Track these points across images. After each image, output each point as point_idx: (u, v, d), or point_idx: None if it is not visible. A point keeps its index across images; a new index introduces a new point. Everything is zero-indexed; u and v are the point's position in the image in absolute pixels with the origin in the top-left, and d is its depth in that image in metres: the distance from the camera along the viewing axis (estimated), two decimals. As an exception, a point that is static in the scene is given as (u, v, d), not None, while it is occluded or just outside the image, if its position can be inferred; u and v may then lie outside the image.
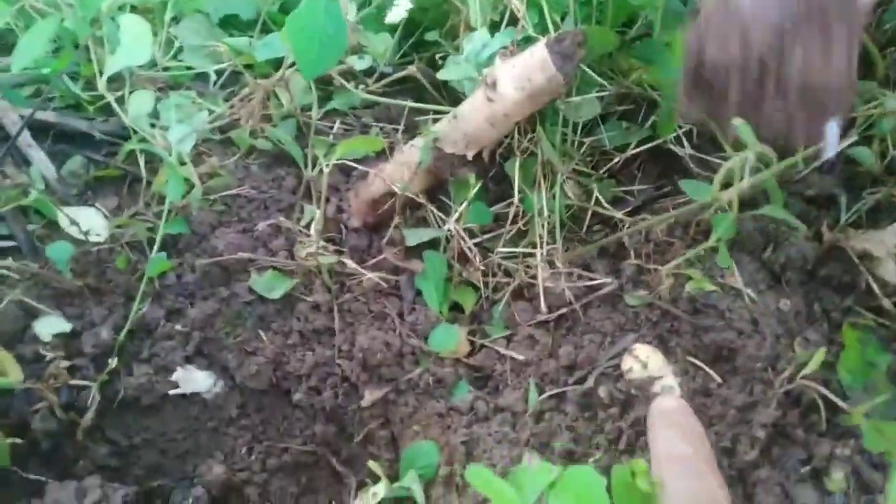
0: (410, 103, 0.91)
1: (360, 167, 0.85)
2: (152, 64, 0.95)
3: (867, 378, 0.63)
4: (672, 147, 0.78)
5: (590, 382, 0.64)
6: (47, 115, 0.96)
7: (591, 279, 0.73)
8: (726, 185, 0.58)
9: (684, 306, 0.67)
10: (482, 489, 0.50)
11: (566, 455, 0.61)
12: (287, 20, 0.68)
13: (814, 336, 0.64)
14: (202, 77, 0.99)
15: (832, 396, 0.60)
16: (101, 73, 0.84)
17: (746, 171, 0.53)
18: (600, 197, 0.79)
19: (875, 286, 0.67)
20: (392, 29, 0.95)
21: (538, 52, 0.69)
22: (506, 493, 0.49)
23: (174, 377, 0.77)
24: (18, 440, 0.73)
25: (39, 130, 0.96)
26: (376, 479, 0.70)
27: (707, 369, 0.64)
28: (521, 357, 0.70)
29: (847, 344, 0.63)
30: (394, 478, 0.69)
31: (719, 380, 0.63)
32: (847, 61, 0.50)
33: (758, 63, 0.51)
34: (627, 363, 0.63)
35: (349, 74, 0.93)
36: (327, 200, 0.85)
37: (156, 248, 0.78)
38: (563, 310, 0.72)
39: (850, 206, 0.72)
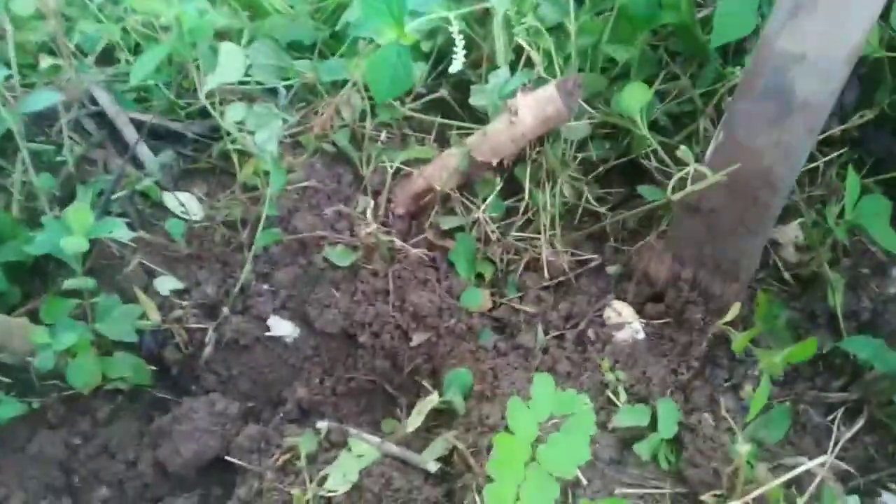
0: (440, 119, 1.17)
1: (406, 168, 1.10)
2: (229, 78, 1.18)
3: (772, 325, 0.91)
4: (642, 161, 1.05)
5: (581, 326, 0.91)
6: (145, 116, 1.19)
7: (582, 256, 1.00)
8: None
9: (665, 266, 0.94)
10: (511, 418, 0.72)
11: (565, 375, 0.88)
12: (370, 61, 0.93)
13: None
14: (270, 91, 1.22)
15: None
16: (200, 87, 1.06)
17: (689, 180, 0.81)
18: (589, 196, 1.05)
19: (780, 264, 0.96)
20: (426, 58, 1.20)
21: (550, 90, 0.95)
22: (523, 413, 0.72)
23: (268, 323, 1.01)
24: (152, 367, 0.98)
25: (138, 128, 1.18)
26: (423, 399, 0.95)
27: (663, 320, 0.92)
28: (531, 310, 0.97)
29: (760, 303, 0.91)
30: (439, 395, 0.94)
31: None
32: None
33: None
34: (608, 313, 0.90)
35: (393, 94, 1.18)
36: (379, 193, 1.10)
37: (261, 225, 1.01)
38: (561, 278, 0.99)
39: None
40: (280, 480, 0.81)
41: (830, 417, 0.85)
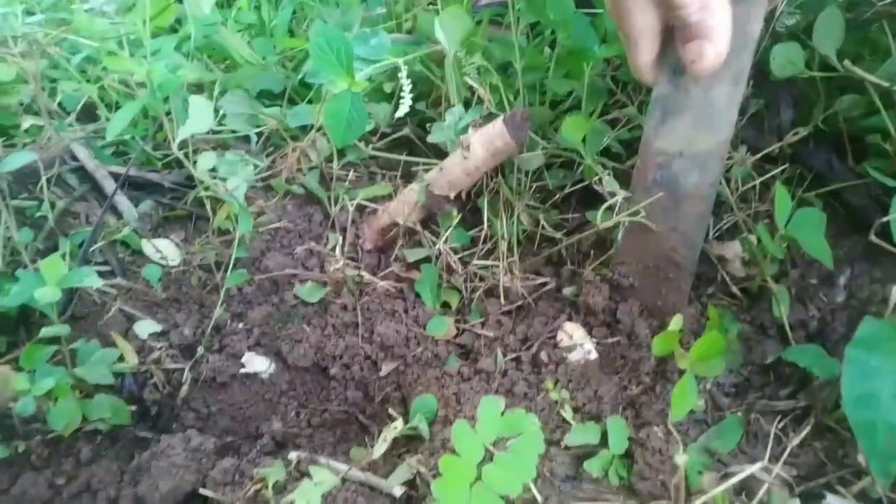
0: (405, 157, 1.22)
1: (371, 205, 1.15)
2: (204, 128, 1.24)
3: (725, 338, 0.94)
4: (595, 186, 1.09)
5: (535, 349, 0.95)
6: (122, 169, 1.24)
7: (540, 280, 1.04)
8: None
9: (603, 296, 0.98)
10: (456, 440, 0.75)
11: (522, 396, 0.91)
12: (326, 109, 0.98)
13: (689, 311, 0.96)
14: (243, 138, 1.29)
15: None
16: (174, 138, 1.12)
17: (616, 209, 0.86)
18: (545, 223, 1.10)
19: (728, 279, 0.99)
20: (389, 99, 1.26)
21: (498, 125, 1.00)
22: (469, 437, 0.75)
23: (242, 360, 1.06)
24: (133, 407, 1.02)
25: (116, 181, 1.24)
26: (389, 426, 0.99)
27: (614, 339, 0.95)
28: (490, 335, 1.00)
29: (711, 317, 0.94)
30: (406, 422, 0.98)
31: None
32: None
33: None
34: (560, 335, 0.93)
35: (359, 135, 1.23)
36: (347, 230, 1.15)
37: (230, 266, 1.06)
38: (520, 302, 1.03)
39: (715, 224, 1.05)
40: (248, 510, 0.84)
41: (781, 425, 0.88)
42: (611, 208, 0.89)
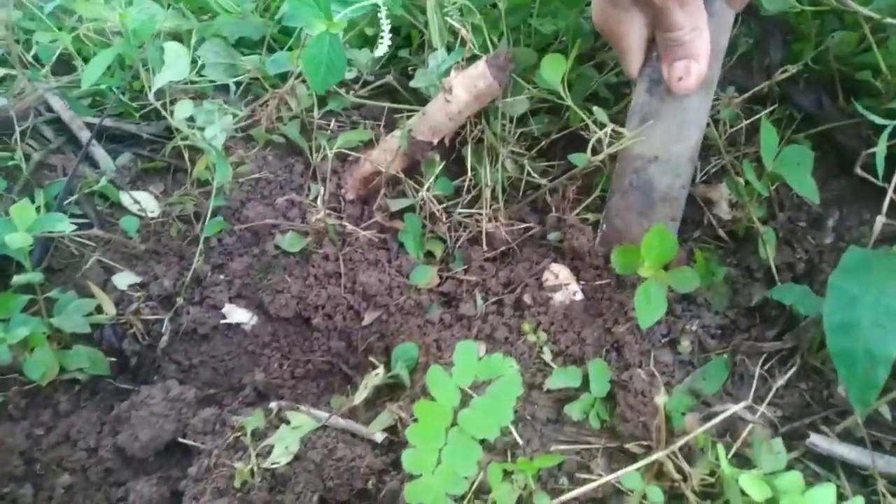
0: (388, 104, 1.19)
1: (353, 154, 1.13)
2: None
3: (710, 282, 0.93)
4: (582, 132, 1.07)
5: (518, 292, 0.93)
6: (104, 121, 1.22)
7: (524, 226, 1.02)
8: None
9: (587, 237, 0.96)
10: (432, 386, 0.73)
11: (504, 341, 0.90)
12: (304, 52, 0.95)
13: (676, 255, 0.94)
14: (222, 88, 1.25)
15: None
16: (150, 88, 1.09)
17: (605, 142, 0.84)
18: (531, 170, 1.07)
19: (714, 222, 0.97)
20: (371, 45, 1.22)
21: (480, 66, 0.97)
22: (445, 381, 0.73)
23: (223, 312, 1.04)
24: (112, 358, 1.01)
25: (95, 133, 1.22)
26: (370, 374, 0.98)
27: (602, 282, 0.93)
28: (473, 279, 0.99)
29: (697, 261, 0.93)
30: (388, 370, 0.97)
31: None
32: None
33: None
34: (546, 276, 0.92)
35: (340, 83, 1.20)
36: (329, 180, 1.13)
37: (208, 215, 1.04)
38: (503, 247, 1.02)
39: (702, 168, 1.02)
40: (228, 457, 0.84)
41: (766, 367, 0.87)
42: (598, 144, 0.87)
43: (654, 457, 0.71)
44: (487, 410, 0.72)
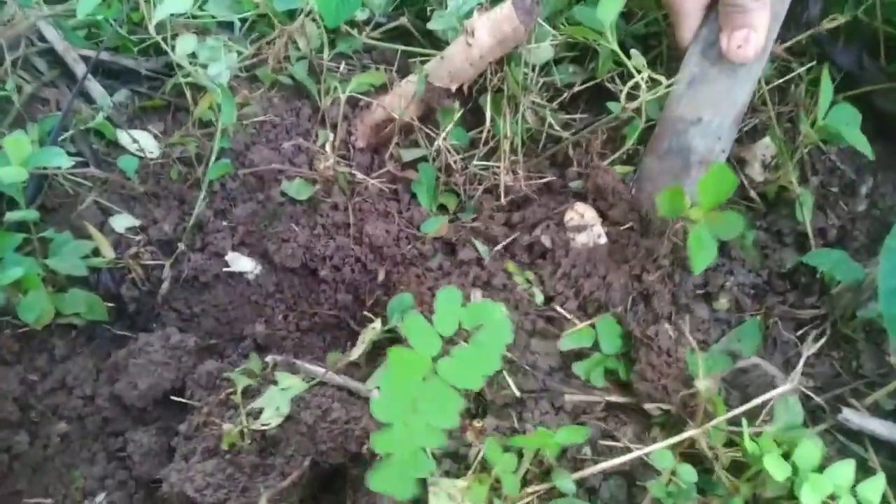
0: (402, 47, 1.13)
1: (364, 98, 1.07)
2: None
3: (741, 244, 0.89)
4: (608, 84, 1.01)
5: (537, 233, 0.88)
6: (100, 55, 1.15)
7: (544, 180, 0.98)
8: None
9: (612, 177, 0.91)
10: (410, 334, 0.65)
11: (502, 288, 0.86)
12: (317, -19, 0.89)
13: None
14: (226, 25, 1.19)
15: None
16: (150, 20, 1.02)
17: (644, 89, 0.79)
18: (553, 122, 1.02)
19: (745, 182, 0.93)
20: (385, -16, 1.16)
21: (506, 9, 0.91)
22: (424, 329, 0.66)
23: (226, 258, 1.00)
24: (110, 304, 0.96)
25: (91, 67, 1.15)
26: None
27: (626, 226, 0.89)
28: (478, 225, 0.94)
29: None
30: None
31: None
32: None
33: None
34: (569, 215, 0.87)
35: (352, 23, 1.13)
36: (339, 125, 1.07)
37: (213, 157, 0.99)
38: (515, 196, 0.97)
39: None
40: (220, 415, 0.80)
41: (800, 333, 0.84)
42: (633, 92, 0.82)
43: (687, 434, 0.68)
44: (470, 359, 0.65)
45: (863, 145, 0.84)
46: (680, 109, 0.88)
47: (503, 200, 0.97)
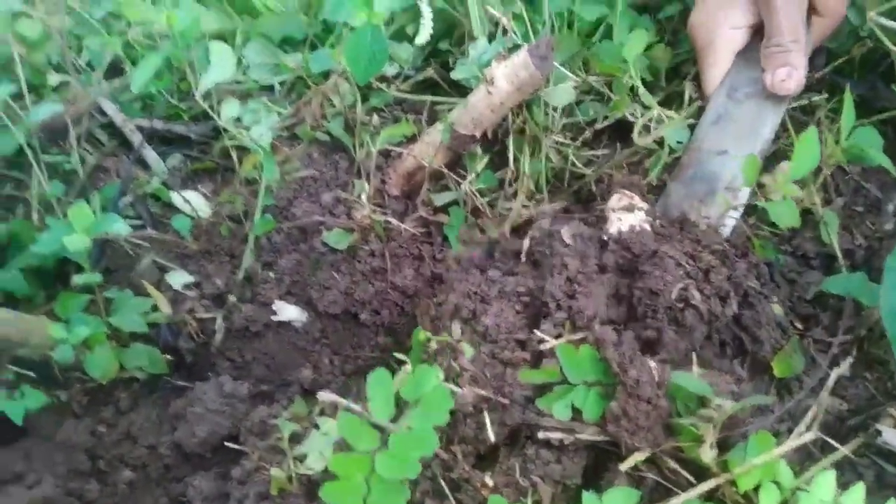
0: (430, 98, 1.19)
1: (396, 149, 1.13)
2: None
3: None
4: (629, 118, 1.04)
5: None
6: (153, 123, 1.25)
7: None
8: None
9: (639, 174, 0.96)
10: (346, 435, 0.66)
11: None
12: (346, 43, 0.96)
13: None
14: (267, 88, 1.27)
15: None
16: (197, 89, 1.11)
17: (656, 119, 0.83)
18: (575, 160, 1.06)
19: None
20: (412, 41, 1.22)
21: (522, 55, 0.96)
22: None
23: (274, 307, 1.06)
24: (169, 357, 1.03)
25: (146, 135, 1.25)
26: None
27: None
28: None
29: (754, 247, 0.90)
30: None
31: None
32: None
33: None
34: (616, 196, 0.88)
35: (382, 78, 1.20)
36: (373, 176, 1.13)
37: (258, 214, 1.05)
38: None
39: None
40: (269, 460, 0.84)
41: (832, 354, 0.84)
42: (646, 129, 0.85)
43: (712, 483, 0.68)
44: (405, 445, 0.65)
45: (888, 164, 0.85)
46: (707, 143, 0.93)
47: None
